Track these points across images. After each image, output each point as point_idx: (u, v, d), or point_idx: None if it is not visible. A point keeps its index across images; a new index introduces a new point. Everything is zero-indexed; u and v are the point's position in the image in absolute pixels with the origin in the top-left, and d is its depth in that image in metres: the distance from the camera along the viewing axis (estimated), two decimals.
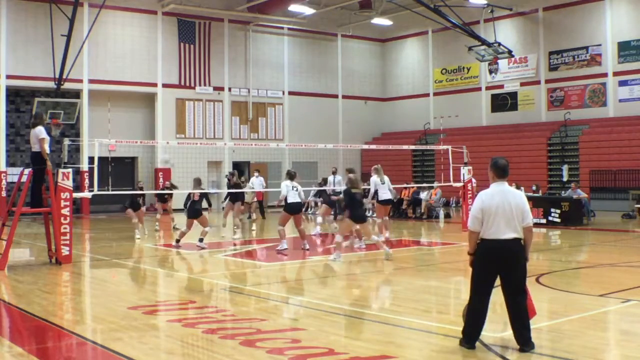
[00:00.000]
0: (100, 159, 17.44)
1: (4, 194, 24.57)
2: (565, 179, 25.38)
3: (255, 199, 23.12)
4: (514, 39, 30.04)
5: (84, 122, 26.83)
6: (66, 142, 13.87)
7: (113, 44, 27.52)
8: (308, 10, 30.04)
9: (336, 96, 34.11)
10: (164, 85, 28.68)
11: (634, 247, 15.59)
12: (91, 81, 26.91)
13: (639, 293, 8.79)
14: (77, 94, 26.91)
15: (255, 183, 21.46)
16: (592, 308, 8.04)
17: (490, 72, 31.18)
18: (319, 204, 22.69)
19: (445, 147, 20.21)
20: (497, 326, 6.71)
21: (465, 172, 18.26)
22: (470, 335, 6.14)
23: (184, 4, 28.19)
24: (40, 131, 12.24)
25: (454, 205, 27.68)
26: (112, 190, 21.73)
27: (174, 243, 15.07)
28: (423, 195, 23.30)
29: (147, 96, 28.58)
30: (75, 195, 13.88)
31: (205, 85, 29.81)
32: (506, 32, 30.08)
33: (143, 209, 17.37)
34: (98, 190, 15.99)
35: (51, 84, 25.09)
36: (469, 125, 31.35)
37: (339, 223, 12.74)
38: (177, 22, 29.02)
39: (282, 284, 10.61)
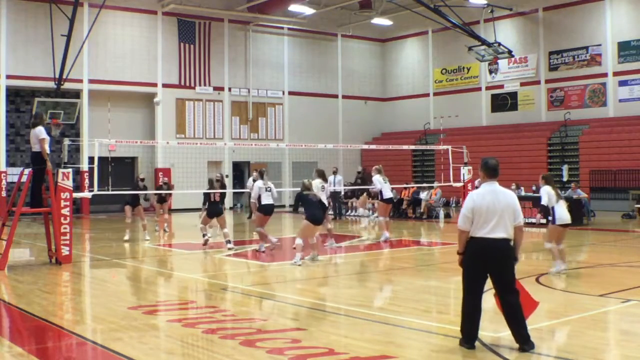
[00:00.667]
0: (100, 159, 17.44)
1: (4, 194, 24.54)
2: (565, 179, 25.33)
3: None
4: (514, 39, 30.03)
5: (84, 122, 26.82)
6: (66, 142, 13.89)
7: (113, 44, 27.51)
8: (308, 10, 30.03)
9: (336, 96, 34.10)
10: (164, 85, 28.67)
11: (634, 247, 15.60)
12: (91, 81, 26.90)
13: (639, 293, 8.79)
14: (77, 94, 26.90)
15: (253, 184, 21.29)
16: (592, 308, 8.04)
17: (490, 72, 31.17)
18: None
19: (445, 147, 20.22)
20: (497, 326, 6.70)
21: (465, 172, 18.27)
22: (468, 333, 6.16)
23: (184, 4, 28.18)
24: (40, 131, 12.23)
25: (454, 205, 27.63)
26: (112, 191, 21.70)
27: (228, 246, 14.08)
28: (423, 195, 23.29)
29: (147, 96, 28.56)
30: (75, 195, 13.89)
31: (205, 85, 29.80)
32: (506, 32, 30.07)
33: (142, 205, 16.82)
34: (98, 190, 16.00)
35: (51, 84, 25.08)
36: (469, 125, 31.33)
37: (301, 226, 12.44)
38: (177, 22, 29.01)
39: (282, 283, 10.60)
